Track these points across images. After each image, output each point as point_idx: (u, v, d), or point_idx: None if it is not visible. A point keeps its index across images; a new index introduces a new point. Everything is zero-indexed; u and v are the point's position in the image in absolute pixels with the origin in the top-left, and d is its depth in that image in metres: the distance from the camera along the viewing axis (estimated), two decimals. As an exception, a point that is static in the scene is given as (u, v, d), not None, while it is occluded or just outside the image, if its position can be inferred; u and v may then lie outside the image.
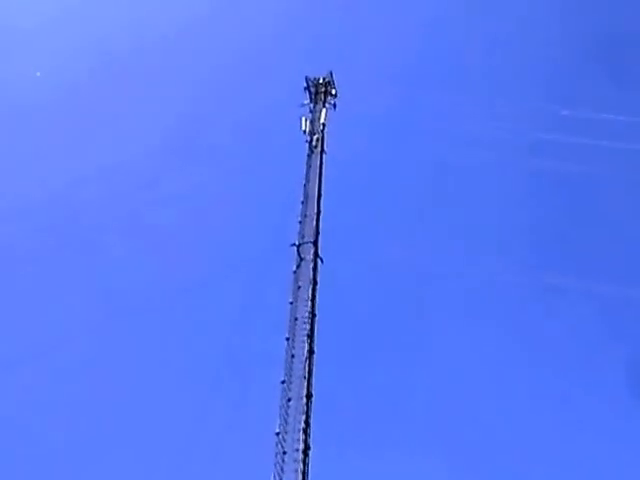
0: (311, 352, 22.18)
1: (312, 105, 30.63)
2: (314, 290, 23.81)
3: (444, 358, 36.58)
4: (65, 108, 45.19)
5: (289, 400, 21.00)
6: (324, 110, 30.25)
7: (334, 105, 30.75)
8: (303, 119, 29.92)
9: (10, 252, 36.46)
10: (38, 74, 45.75)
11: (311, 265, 24.43)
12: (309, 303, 23.29)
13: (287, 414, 20.69)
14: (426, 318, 38.25)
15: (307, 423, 20.57)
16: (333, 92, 30.97)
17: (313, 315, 23.11)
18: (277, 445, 20.10)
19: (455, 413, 34.59)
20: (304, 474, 19.75)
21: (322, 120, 29.81)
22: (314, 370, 21.84)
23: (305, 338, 22.35)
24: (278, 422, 20.56)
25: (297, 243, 25.11)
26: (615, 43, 45.21)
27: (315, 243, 25.15)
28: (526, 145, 37.37)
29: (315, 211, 26.23)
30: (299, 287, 23.85)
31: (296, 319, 22.89)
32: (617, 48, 45.34)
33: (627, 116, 36.51)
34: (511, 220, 42.46)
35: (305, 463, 19.89)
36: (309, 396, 21.15)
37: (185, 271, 37.23)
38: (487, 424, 34.91)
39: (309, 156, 28.43)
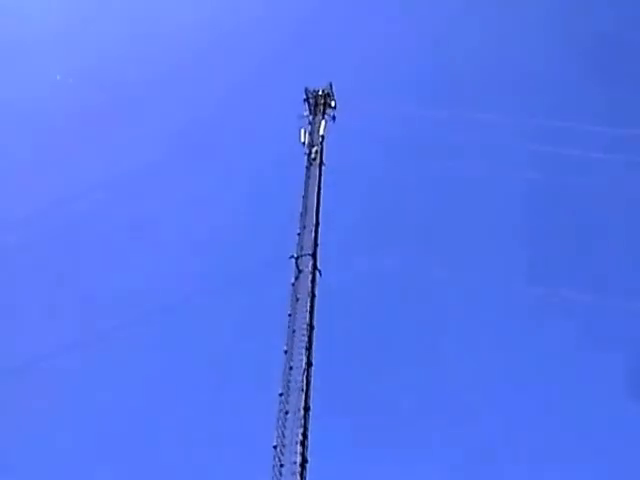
0: (309, 364, 22.16)
1: (311, 117, 30.65)
2: (312, 302, 23.78)
3: (444, 368, 36.55)
4: (67, 111, 45.32)
5: (287, 413, 20.96)
6: (323, 122, 30.26)
7: (333, 117, 30.77)
8: (302, 131, 29.94)
9: (14, 257, 36.58)
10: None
11: (309, 277, 24.42)
12: (307, 315, 23.27)
13: (284, 427, 20.63)
14: (425, 329, 38.24)
15: (305, 436, 20.53)
16: (332, 104, 30.98)
17: (311, 327, 23.08)
18: (274, 458, 20.05)
19: (455, 424, 34.57)
20: (301, 487, 19.74)
21: (321, 132, 29.81)
22: (312, 382, 21.83)
23: (303, 350, 22.32)
24: (275, 435, 20.52)
25: (295, 255, 25.08)
26: (615, 50, 45.44)
27: (314, 255, 25.12)
28: (525, 155, 37.40)
29: (314, 223, 26.23)
30: (297, 299, 23.82)
31: (294, 331, 22.86)
32: (616, 55, 45.58)
33: (622, 128, 36.60)
34: (510, 228, 42.55)
35: (302, 476, 19.84)
36: (307, 409, 21.11)
37: (183, 282, 37.18)
38: (487, 430, 34.97)
39: (308, 168, 28.42)
